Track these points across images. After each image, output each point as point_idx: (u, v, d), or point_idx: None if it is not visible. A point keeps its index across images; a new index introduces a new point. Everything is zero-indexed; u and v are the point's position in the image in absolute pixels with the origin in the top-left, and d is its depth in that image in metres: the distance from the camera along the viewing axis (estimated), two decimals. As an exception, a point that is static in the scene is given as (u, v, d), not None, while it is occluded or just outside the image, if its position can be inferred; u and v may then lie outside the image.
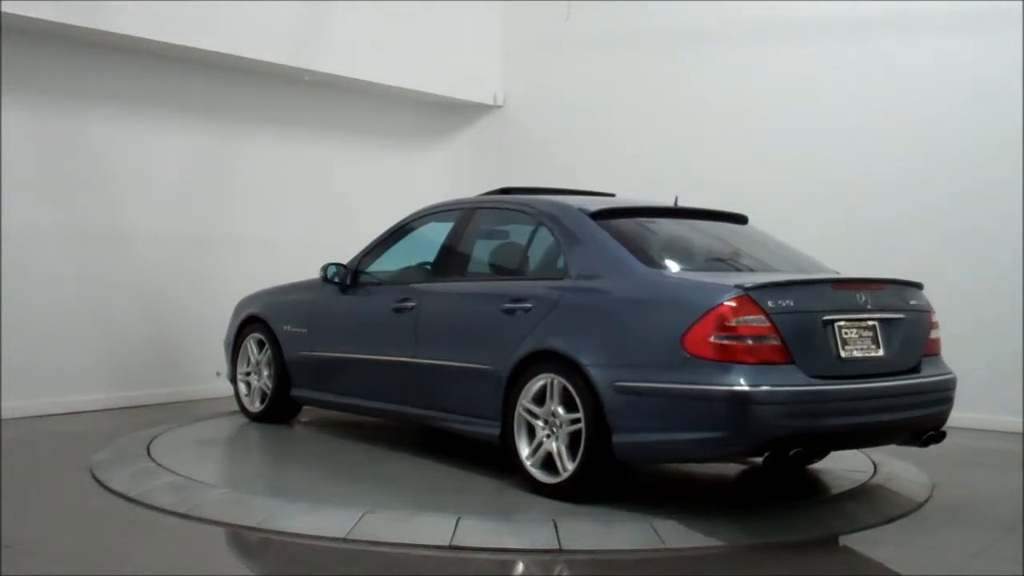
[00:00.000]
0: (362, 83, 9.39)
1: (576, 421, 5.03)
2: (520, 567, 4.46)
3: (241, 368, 7.45)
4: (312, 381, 6.92)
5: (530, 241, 5.76)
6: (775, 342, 4.67)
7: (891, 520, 5.15)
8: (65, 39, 7.70)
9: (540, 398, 5.24)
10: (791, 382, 4.65)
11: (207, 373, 8.57)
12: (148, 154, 8.35)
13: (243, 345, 7.42)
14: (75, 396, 7.88)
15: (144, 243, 8.35)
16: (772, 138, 8.77)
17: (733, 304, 4.66)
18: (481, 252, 6.26)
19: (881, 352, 5.03)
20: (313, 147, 9.58)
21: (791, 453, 4.65)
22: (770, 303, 4.70)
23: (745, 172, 8.80)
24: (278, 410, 7.22)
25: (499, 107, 10.43)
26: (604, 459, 4.95)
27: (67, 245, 7.92)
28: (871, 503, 5.39)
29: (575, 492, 5.05)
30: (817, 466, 5.85)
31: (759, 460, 4.86)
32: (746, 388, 4.56)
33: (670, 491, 5.65)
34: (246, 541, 4.76)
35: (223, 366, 7.77)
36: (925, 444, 5.22)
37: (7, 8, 6.91)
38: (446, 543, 4.55)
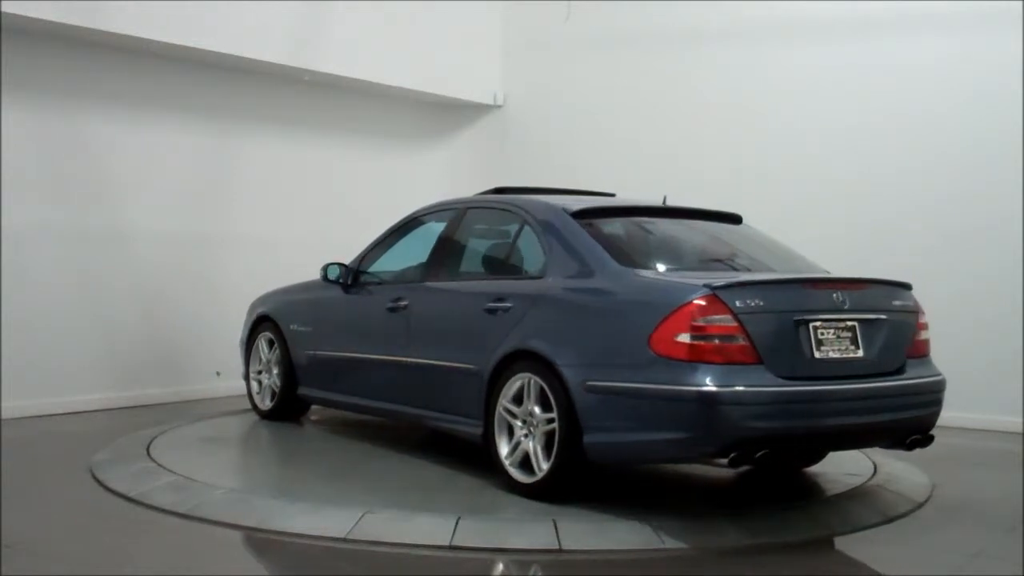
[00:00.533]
0: (362, 83, 9.40)
1: (551, 421, 5.02)
2: (520, 567, 4.46)
3: (253, 367, 7.55)
4: (317, 380, 6.99)
5: (514, 241, 5.78)
6: (743, 342, 4.60)
7: (891, 520, 5.15)
8: (65, 39, 7.70)
9: (519, 398, 5.24)
10: (758, 383, 4.58)
11: (207, 373, 8.58)
12: (148, 154, 8.35)
13: (255, 344, 7.52)
14: (75, 396, 7.89)
15: (144, 243, 8.35)
16: (772, 138, 8.77)
17: (700, 303, 4.60)
18: (469, 252, 6.29)
19: (861, 353, 4.94)
20: (313, 147, 9.58)
21: (758, 455, 4.57)
22: (738, 303, 4.63)
23: (745, 172, 8.80)
24: (287, 408, 7.31)
25: (499, 107, 10.44)
26: (576, 459, 4.93)
27: (67, 245, 7.92)
28: (871, 503, 5.38)
29: (549, 492, 5.04)
30: (816, 467, 5.85)
31: (725, 462, 4.70)
32: (711, 388, 4.50)
33: (670, 492, 5.65)
34: (246, 541, 4.76)
35: (223, 366, 7.79)
36: (910, 448, 5.11)
37: (7, 8, 6.91)
38: (446, 543, 4.55)
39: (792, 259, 5.63)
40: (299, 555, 4.62)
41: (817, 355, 4.79)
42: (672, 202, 6.09)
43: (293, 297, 7.33)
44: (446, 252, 6.23)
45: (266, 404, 7.41)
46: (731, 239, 5.80)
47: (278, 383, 7.27)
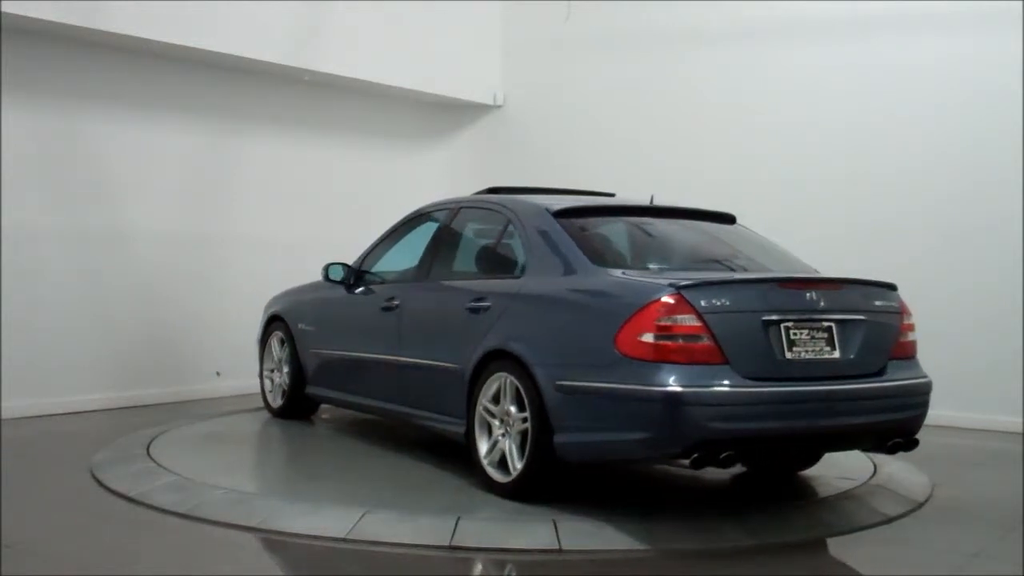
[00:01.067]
0: (362, 83, 9.40)
1: (526, 420, 5.02)
2: (520, 567, 4.46)
3: (266, 365, 7.63)
4: (322, 379, 7.05)
5: (498, 240, 5.78)
6: (707, 342, 4.55)
7: (891, 520, 5.15)
8: (65, 39, 7.70)
9: (497, 397, 5.25)
10: (722, 383, 4.53)
11: (207, 373, 8.58)
12: (148, 154, 8.35)
13: (268, 343, 7.60)
14: (75, 396, 7.88)
15: (144, 243, 8.35)
16: (772, 138, 8.77)
17: (665, 303, 4.56)
18: (459, 251, 6.30)
19: (837, 354, 4.84)
20: (313, 147, 9.58)
21: (722, 456, 4.53)
22: (703, 303, 4.59)
23: (744, 172, 8.80)
24: (296, 407, 7.36)
25: (499, 107, 10.43)
26: (547, 459, 4.92)
27: (67, 245, 7.91)
28: (870, 503, 5.38)
29: (523, 492, 5.04)
30: (816, 467, 5.84)
31: (686, 462, 4.66)
32: (673, 388, 4.45)
33: (669, 492, 5.65)
34: (246, 541, 4.75)
35: (223, 366, 7.80)
36: (892, 451, 5.03)
37: (7, 8, 6.91)
38: (446, 543, 4.55)
39: (782, 259, 5.54)
40: (299, 555, 4.62)
41: (788, 356, 4.71)
42: (668, 202, 6.05)
43: (301, 297, 7.40)
44: (437, 252, 6.25)
45: (277, 402, 7.50)
46: (720, 239, 5.73)
47: (287, 382, 7.34)
